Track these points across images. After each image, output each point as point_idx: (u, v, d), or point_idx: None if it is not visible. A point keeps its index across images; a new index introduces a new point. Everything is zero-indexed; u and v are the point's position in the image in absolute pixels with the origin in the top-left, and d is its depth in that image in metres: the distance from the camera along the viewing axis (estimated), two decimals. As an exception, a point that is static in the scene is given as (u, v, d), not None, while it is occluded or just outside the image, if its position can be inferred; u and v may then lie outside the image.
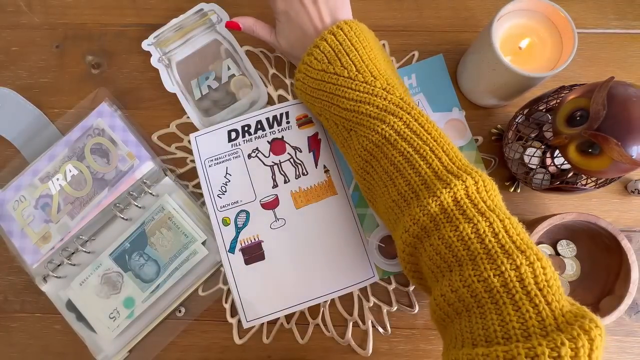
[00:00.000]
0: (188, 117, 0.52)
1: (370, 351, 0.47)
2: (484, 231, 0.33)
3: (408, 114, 0.39)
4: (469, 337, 0.31)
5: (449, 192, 0.35)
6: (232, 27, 0.49)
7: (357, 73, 0.42)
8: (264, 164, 0.50)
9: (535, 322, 0.29)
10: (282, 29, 0.47)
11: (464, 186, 0.35)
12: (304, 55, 0.44)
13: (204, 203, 0.50)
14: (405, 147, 0.38)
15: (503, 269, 0.31)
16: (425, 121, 0.39)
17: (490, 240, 0.32)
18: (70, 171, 0.50)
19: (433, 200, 0.35)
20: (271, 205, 0.49)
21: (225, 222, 0.49)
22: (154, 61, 0.53)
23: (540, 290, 0.30)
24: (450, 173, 0.36)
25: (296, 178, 0.50)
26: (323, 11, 0.44)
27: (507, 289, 0.30)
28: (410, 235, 0.36)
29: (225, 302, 0.49)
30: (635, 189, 0.49)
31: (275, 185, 0.49)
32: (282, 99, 0.53)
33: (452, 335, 0.33)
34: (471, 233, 0.33)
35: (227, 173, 0.50)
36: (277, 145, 0.50)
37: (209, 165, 0.50)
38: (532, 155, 0.45)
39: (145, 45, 0.53)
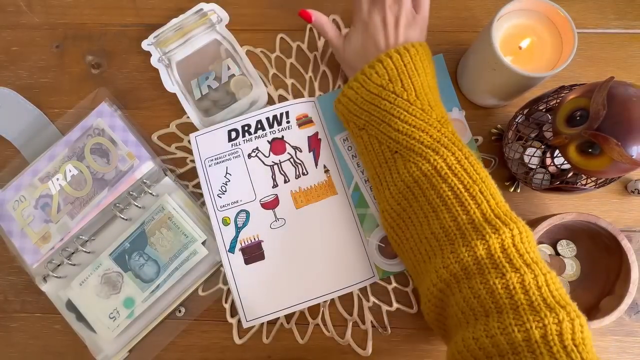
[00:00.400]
0: (188, 117, 0.52)
1: (370, 351, 0.47)
2: (529, 283, 0.33)
3: (460, 150, 0.39)
4: None
5: (497, 238, 0.35)
6: (304, 17, 0.48)
7: (415, 99, 0.41)
8: (264, 163, 0.50)
9: None
10: (354, 36, 0.47)
11: (511, 234, 0.35)
12: (365, 66, 0.43)
13: (204, 203, 0.50)
14: (455, 182, 0.38)
15: (546, 322, 0.31)
16: (475, 161, 0.39)
17: (534, 293, 0.33)
18: (70, 171, 0.50)
19: (481, 243, 0.35)
20: (271, 205, 0.49)
21: (225, 222, 0.49)
22: (154, 61, 0.53)
23: (576, 346, 0.31)
24: (498, 218, 0.36)
25: (296, 178, 0.50)
26: (400, 37, 0.44)
27: (545, 341, 0.31)
28: (448, 272, 0.36)
29: (225, 302, 0.49)
30: (635, 189, 0.49)
31: (275, 185, 0.49)
32: (282, 99, 0.53)
33: None
34: (517, 283, 0.33)
35: (227, 173, 0.50)
36: (277, 145, 0.50)
37: (209, 165, 0.50)
38: (532, 155, 0.45)
39: (145, 45, 0.53)
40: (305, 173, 0.50)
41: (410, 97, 0.41)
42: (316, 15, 0.48)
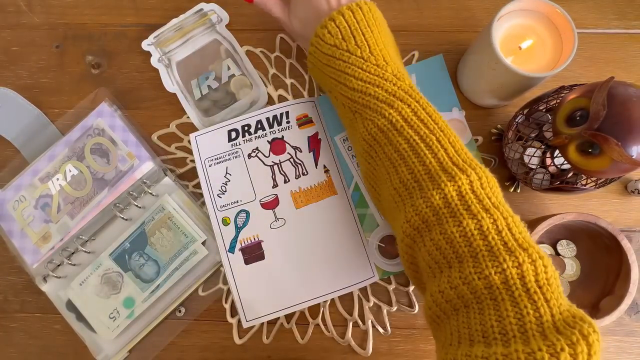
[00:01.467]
0: (188, 117, 0.52)
1: (370, 351, 0.47)
2: (488, 228, 0.32)
3: (417, 102, 0.38)
4: (466, 332, 0.31)
5: (454, 185, 0.34)
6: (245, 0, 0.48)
7: (370, 55, 0.40)
8: (264, 163, 0.50)
9: (532, 319, 0.29)
10: (296, 7, 0.46)
11: (468, 181, 0.34)
12: (318, 27, 0.42)
13: (204, 203, 0.50)
14: (411, 134, 0.37)
15: (505, 266, 0.31)
16: (433, 111, 0.38)
17: (493, 237, 0.32)
18: (70, 171, 0.50)
19: (437, 192, 0.34)
20: (271, 205, 0.49)
21: (225, 222, 0.49)
22: (154, 61, 0.53)
23: (540, 287, 0.30)
24: (455, 165, 0.35)
25: (296, 178, 0.50)
26: None
27: (507, 285, 0.30)
28: (411, 226, 0.36)
29: (225, 302, 0.49)
30: (635, 189, 0.49)
31: (275, 185, 0.49)
32: (282, 99, 0.53)
33: (448, 332, 0.33)
34: (474, 229, 0.33)
35: (227, 173, 0.50)
36: (277, 145, 0.50)
37: (209, 165, 0.50)
38: (532, 155, 0.45)
39: (145, 45, 0.53)
40: (305, 173, 0.50)
41: (364, 53, 0.41)
42: None
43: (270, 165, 0.50)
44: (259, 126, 0.50)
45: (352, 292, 0.48)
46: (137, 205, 0.49)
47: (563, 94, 0.43)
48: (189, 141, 0.51)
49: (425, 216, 0.35)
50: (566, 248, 0.48)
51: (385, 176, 0.39)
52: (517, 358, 0.28)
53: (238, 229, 0.48)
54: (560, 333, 0.28)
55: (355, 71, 0.40)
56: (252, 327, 0.48)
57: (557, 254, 0.48)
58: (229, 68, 0.50)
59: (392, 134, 0.38)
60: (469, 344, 0.30)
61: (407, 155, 0.37)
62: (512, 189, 0.50)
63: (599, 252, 0.46)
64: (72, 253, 0.49)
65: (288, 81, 0.53)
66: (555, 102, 0.44)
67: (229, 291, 0.49)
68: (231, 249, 0.48)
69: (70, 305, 0.47)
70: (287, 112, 0.51)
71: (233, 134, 0.50)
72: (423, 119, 0.38)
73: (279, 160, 0.50)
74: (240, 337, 0.48)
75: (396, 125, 0.38)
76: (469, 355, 0.29)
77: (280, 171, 0.50)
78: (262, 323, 0.48)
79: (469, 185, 0.34)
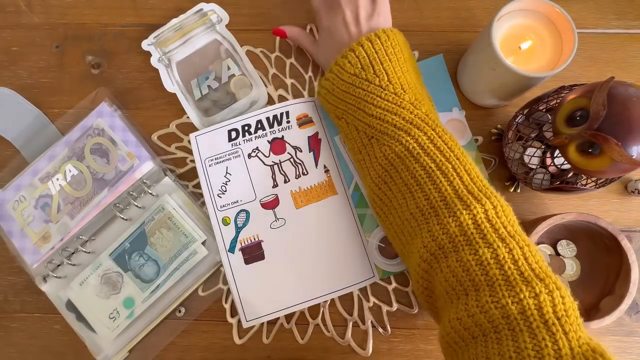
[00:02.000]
0: (188, 117, 0.52)
1: (370, 351, 0.47)
2: (504, 257, 0.33)
3: (433, 130, 0.40)
4: None
5: (469, 214, 0.35)
6: (278, 34, 0.51)
7: (388, 83, 0.42)
8: (264, 163, 0.50)
9: (551, 351, 0.29)
10: (322, 43, 0.49)
11: (483, 210, 0.35)
12: (338, 57, 0.44)
13: (204, 203, 0.50)
14: (427, 161, 0.38)
15: (522, 296, 0.31)
16: (449, 139, 0.39)
17: (509, 267, 0.33)
18: (70, 171, 0.50)
19: (453, 220, 0.35)
20: (271, 205, 0.49)
21: (225, 222, 0.49)
22: (154, 61, 0.53)
23: (558, 319, 0.30)
24: (470, 194, 0.36)
25: (296, 178, 0.50)
26: (363, 29, 0.45)
27: (524, 316, 0.31)
28: (427, 251, 0.36)
29: (225, 302, 0.49)
30: (635, 189, 0.49)
31: (275, 185, 0.49)
32: (282, 99, 0.53)
33: None
34: (490, 258, 0.33)
35: (227, 173, 0.50)
36: (277, 145, 0.50)
37: (209, 165, 0.50)
38: (532, 155, 0.45)
39: (145, 45, 0.53)
40: (305, 173, 0.50)
41: (383, 82, 0.42)
42: (289, 30, 0.51)
43: (270, 165, 0.50)
44: (259, 126, 0.50)
45: (352, 292, 0.48)
46: (137, 205, 0.49)
47: (563, 94, 0.43)
48: (189, 141, 0.51)
49: (441, 242, 0.36)
50: (566, 248, 0.48)
51: (401, 201, 0.40)
52: None
53: (238, 229, 0.48)
54: None
55: (374, 99, 0.42)
56: (252, 327, 0.48)
57: (557, 254, 0.48)
58: (229, 68, 0.50)
59: (409, 160, 0.39)
60: None
61: (424, 182, 0.38)
62: (512, 189, 0.50)
63: (599, 252, 0.46)
64: (72, 253, 0.49)
65: (288, 81, 0.53)
66: (555, 102, 0.44)
67: (229, 291, 0.49)
68: (231, 249, 0.48)
69: (70, 305, 0.47)
70: (287, 112, 0.51)
71: (233, 134, 0.50)
72: (439, 147, 0.39)
73: (279, 160, 0.50)
74: (240, 337, 0.48)
75: (413, 152, 0.39)
76: None
77: (280, 171, 0.50)
78: (262, 323, 0.48)
79: (484, 214, 0.35)
